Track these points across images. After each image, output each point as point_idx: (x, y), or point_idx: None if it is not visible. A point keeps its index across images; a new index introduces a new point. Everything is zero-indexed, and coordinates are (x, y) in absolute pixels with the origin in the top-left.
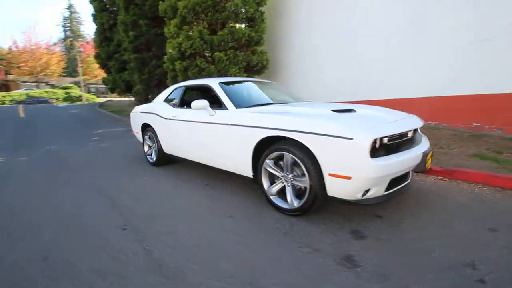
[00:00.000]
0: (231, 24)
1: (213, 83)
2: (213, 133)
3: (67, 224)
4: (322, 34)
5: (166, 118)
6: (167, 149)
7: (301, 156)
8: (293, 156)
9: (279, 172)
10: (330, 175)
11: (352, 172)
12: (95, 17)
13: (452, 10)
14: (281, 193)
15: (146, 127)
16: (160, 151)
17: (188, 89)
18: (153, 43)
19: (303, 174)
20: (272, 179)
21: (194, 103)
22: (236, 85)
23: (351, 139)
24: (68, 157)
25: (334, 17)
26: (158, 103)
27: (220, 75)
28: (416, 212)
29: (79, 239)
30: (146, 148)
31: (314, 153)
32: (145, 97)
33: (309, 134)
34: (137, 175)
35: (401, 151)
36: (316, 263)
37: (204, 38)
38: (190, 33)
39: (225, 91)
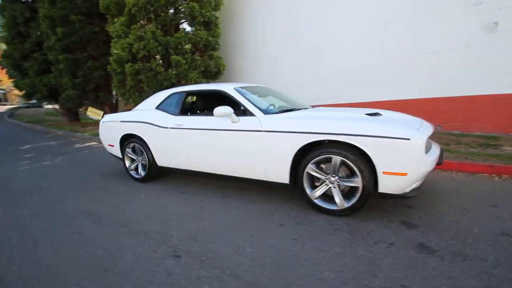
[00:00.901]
0: (187, 27)
1: (229, 88)
2: (237, 140)
3: (109, 274)
4: (279, 43)
5: (166, 127)
6: (163, 161)
7: (354, 157)
8: (344, 159)
9: (323, 175)
10: (385, 173)
11: (408, 169)
12: (3, 9)
13: (405, 26)
14: (323, 195)
15: (128, 139)
16: (151, 164)
17: (189, 95)
18: (88, 42)
19: (353, 175)
20: (312, 182)
21: (218, 110)
22: (249, 90)
23: (408, 139)
24: (10, 180)
25: (292, 26)
26: (149, 110)
27: (179, 80)
28: (431, 198)
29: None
30: (127, 163)
31: (369, 154)
32: (79, 104)
33: (366, 137)
34: (129, 194)
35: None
36: (403, 255)
37: (158, 39)
38: (142, 33)
39: (246, 97)
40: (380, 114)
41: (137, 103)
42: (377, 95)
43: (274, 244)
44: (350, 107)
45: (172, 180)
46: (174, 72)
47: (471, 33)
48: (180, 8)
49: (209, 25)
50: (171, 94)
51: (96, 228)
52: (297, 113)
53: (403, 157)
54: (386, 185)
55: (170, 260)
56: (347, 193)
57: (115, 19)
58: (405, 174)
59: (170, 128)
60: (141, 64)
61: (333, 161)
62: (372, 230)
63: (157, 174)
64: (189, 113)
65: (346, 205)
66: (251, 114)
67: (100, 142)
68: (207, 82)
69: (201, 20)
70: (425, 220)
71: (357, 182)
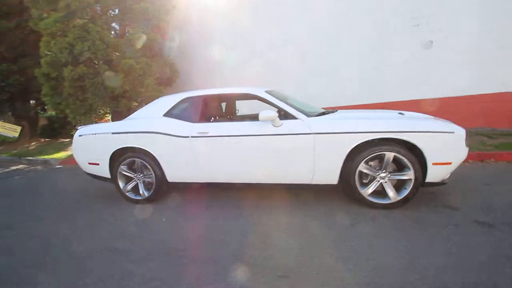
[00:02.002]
0: (140, 30)
1: (260, 92)
2: (281, 145)
3: None
4: (235, 50)
5: (185, 137)
6: (177, 176)
7: (406, 152)
8: (397, 154)
9: (375, 172)
10: (434, 164)
11: (453, 158)
12: None
13: (357, 41)
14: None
15: (122, 154)
16: (160, 181)
17: (208, 100)
18: (1, 40)
19: (404, 169)
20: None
21: (264, 114)
22: (273, 94)
23: (453, 132)
24: None
25: (247, 33)
26: (154, 118)
27: (133, 86)
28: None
29: None
30: (121, 183)
31: (421, 148)
32: None
33: (418, 133)
34: (140, 220)
35: None
36: (473, 233)
37: (104, 40)
38: (85, 32)
39: (282, 100)
40: (403, 114)
41: (76, 114)
42: (345, 100)
43: (366, 246)
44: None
45: (178, 197)
46: (126, 78)
47: (412, 50)
48: (133, 7)
49: (162, 29)
50: (183, 100)
51: (165, 268)
52: (338, 114)
53: (449, 148)
54: (433, 174)
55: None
56: (394, 187)
57: (45, 14)
58: (450, 163)
59: (192, 137)
60: (84, 68)
61: (386, 158)
62: (429, 217)
63: (164, 192)
64: (211, 119)
65: (399, 197)
66: (293, 117)
67: (30, 164)
68: (162, 90)
69: (155, 23)
70: (461, 201)
71: (410, 174)
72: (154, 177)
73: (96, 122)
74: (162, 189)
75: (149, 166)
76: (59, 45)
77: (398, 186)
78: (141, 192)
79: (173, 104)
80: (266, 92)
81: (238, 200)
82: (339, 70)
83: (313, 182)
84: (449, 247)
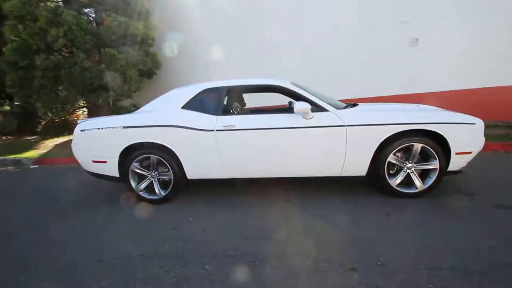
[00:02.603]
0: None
1: (285, 83)
2: (314, 137)
3: None
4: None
5: (209, 130)
6: (198, 172)
7: (433, 143)
8: (425, 145)
9: (402, 163)
10: (457, 153)
11: (473, 147)
12: None
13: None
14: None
15: (135, 150)
16: (179, 179)
17: (230, 91)
18: None
19: (429, 159)
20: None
21: (299, 106)
22: (300, 85)
23: (474, 123)
24: None
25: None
26: (172, 111)
27: (115, 78)
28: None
29: None
30: (133, 183)
31: (447, 138)
32: None
33: (444, 124)
34: (165, 222)
35: None
36: (496, 215)
37: (82, 26)
38: (59, 17)
39: (309, 92)
40: (419, 106)
41: (48, 108)
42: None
43: (421, 232)
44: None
45: (198, 194)
46: (107, 68)
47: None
48: None
49: (143, 15)
50: (203, 91)
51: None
52: (364, 107)
53: (470, 138)
54: (455, 163)
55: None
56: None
57: None
58: (470, 153)
59: (217, 130)
60: (60, 57)
61: (414, 148)
62: (452, 203)
63: (182, 191)
64: (235, 112)
65: (425, 186)
66: (323, 110)
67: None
68: (145, 83)
69: (135, 9)
70: (473, 187)
71: (435, 164)
72: (172, 174)
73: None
74: (180, 187)
75: (166, 163)
76: (30, 30)
77: (421, 175)
78: (156, 191)
79: (192, 96)
80: (292, 84)
81: (252, 196)
82: (335, 66)
83: (343, 174)
84: (483, 230)
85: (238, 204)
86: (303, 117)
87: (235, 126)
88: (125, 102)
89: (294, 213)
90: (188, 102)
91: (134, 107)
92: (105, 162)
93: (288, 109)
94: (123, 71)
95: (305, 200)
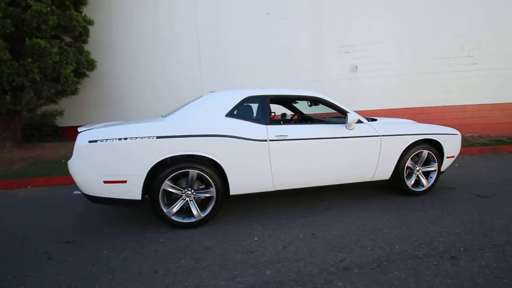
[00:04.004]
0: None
1: (325, 96)
2: (356, 147)
3: None
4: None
5: (262, 140)
6: (244, 186)
7: (434, 150)
8: (430, 152)
9: (415, 167)
10: (447, 157)
11: (455, 152)
12: None
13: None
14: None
15: (169, 165)
16: (222, 196)
17: (273, 100)
18: None
19: (431, 162)
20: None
21: (352, 117)
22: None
23: (457, 134)
24: None
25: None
26: (215, 120)
27: (44, 76)
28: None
29: None
30: (163, 205)
31: (443, 145)
32: None
33: (442, 135)
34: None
35: None
36: (476, 202)
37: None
38: None
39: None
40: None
41: None
42: None
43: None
44: None
45: (234, 214)
46: (35, 64)
47: (343, 71)
48: None
49: (78, 5)
50: (246, 98)
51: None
52: (384, 120)
53: (455, 145)
54: (445, 165)
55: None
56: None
57: None
58: (453, 156)
59: (270, 140)
60: None
61: (422, 155)
62: (445, 195)
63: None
64: (281, 122)
65: (429, 184)
66: (359, 121)
67: None
68: (77, 81)
69: None
70: (453, 183)
71: (435, 166)
72: (214, 191)
73: None
74: (220, 204)
75: (208, 178)
76: None
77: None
78: (194, 212)
79: (236, 103)
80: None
81: (288, 207)
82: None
83: (373, 179)
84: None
85: (290, 217)
86: (346, 128)
87: (287, 136)
88: (46, 109)
89: (354, 216)
90: (231, 110)
91: (61, 115)
92: (124, 182)
93: (302, 120)
94: (56, 69)
95: (343, 203)
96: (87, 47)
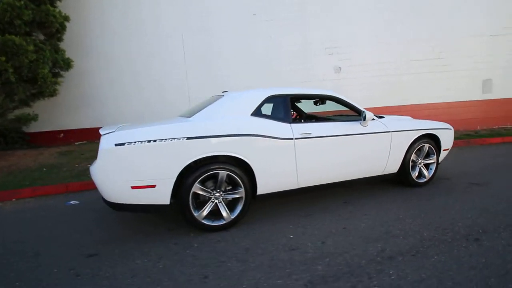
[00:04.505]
0: None
1: (341, 95)
2: (371, 142)
3: None
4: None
5: (289, 139)
6: (270, 186)
7: (433, 144)
8: (430, 145)
9: (418, 159)
10: (443, 150)
11: (449, 145)
12: None
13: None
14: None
15: (200, 166)
16: (250, 196)
17: (293, 98)
18: None
19: (430, 155)
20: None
21: (369, 115)
22: None
23: (451, 128)
24: None
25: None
26: (242, 119)
27: (20, 76)
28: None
29: None
30: (193, 209)
31: (440, 139)
32: None
33: (439, 129)
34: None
35: None
36: (471, 190)
37: None
38: None
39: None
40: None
41: None
42: None
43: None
44: None
45: (262, 214)
46: (9, 63)
47: (327, 72)
48: None
49: (53, 0)
50: (269, 97)
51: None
52: (390, 117)
53: (449, 139)
54: (441, 158)
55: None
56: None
57: None
58: (448, 149)
59: (296, 139)
60: None
61: (424, 148)
62: (444, 184)
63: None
64: (302, 120)
65: (429, 176)
66: (365, 119)
67: None
68: (56, 82)
69: None
70: (447, 174)
71: (434, 159)
72: (243, 191)
73: None
74: (249, 205)
75: (238, 178)
76: None
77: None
78: (224, 214)
79: (259, 102)
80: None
81: (308, 204)
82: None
83: (384, 173)
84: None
85: (314, 213)
86: (361, 125)
87: (311, 133)
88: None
89: (374, 209)
90: (256, 109)
91: (35, 119)
92: (153, 186)
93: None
94: (32, 69)
95: (359, 197)
96: (61, 45)
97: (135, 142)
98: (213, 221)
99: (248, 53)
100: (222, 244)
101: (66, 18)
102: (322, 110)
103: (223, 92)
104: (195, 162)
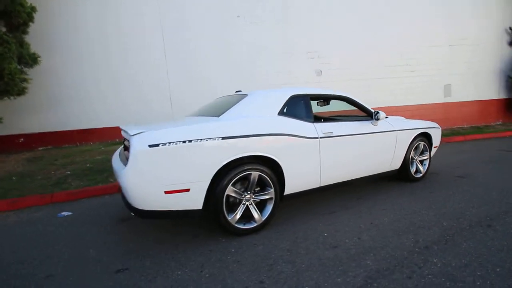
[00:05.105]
0: None
1: (352, 96)
2: (380, 141)
3: None
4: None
5: (315, 138)
6: (296, 186)
7: (426, 141)
8: (424, 143)
9: (415, 156)
10: (434, 147)
11: (438, 143)
12: None
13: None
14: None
15: (232, 168)
16: (278, 197)
17: (313, 98)
18: None
19: (424, 151)
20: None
21: (382, 115)
22: None
23: (439, 127)
24: None
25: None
26: (269, 118)
27: None
28: None
29: None
30: (227, 213)
31: (432, 137)
32: None
33: (431, 128)
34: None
35: None
36: (457, 183)
37: None
38: None
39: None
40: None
41: None
42: None
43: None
44: None
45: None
46: None
47: (309, 75)
48: None
49: None
50: (292, 97)
51: None
52: (391, 117)
53: (438, 137)
54: (432, 153)
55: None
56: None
57: None
58: (437, 146)
59: (320, 138)
60: None
61: (420, 146)
62: (434, 178)
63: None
64: (321, 120)
65: (424, 171)
66: (377, 118)
67: None
68: (24, 79)
69: None
70: (432, 168)
71: (427, 155)
72: (273, 192)
73: None
74: (277, 206)
75: (268, 179)
76: None
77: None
78: (256, 216)
79: (284, 102)
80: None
81: (320, 203)
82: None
83: (390, 169)
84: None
85: (336, 211)
86: (372, 124)
87: (332, 132)
88: None
89: (388, 203)
90: (281, 108)
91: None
92: (187, 190)
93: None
94: None
95: (369, 194)
96: (26, 39)
97: (169, 143)
98: (244, 224)
99: (230, 54)
100: (260, 247)
101: (33, 9)
102: (321, 111)
103: (236, 91)
104: (230, 163)
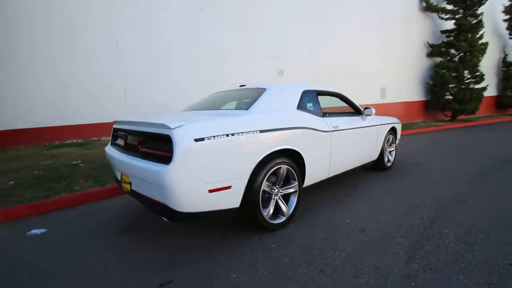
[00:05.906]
0: None
1: (345, 94)
2: (370, 134)
3: None
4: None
5: (328, 131)
6: (313, 177)
7: (393, 134)
8: (392, 136)
9: (386, 148)
10: (397, 140)
11: (399, 136)
12: None
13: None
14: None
15: (268, 160)
16: (301, 190)
17: (319, 94)
18: None
19: (392, 144)
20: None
21: (372, 111)
22: None
23: (400, 122)
24: None
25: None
26: (289, 112)
27: None
28: None
29: None
30: (262, 209)
31: (397, 131)
32: None
33: (396, 123)
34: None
35: None
36: (413, 168)
37: None
38: None
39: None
40: None
41: None
42: None
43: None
44: None
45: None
46: None
47: (270, 75)
48: None
49: None
50: (304, 92)
51: None
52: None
53: (400, 131)
54: (396, 145)
55: None
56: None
57: None
58: (399, 139)
59: (332, 131)
60: None
61: (389, 138)
62: (395, 166)
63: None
64: (327, 114)
65: (392, 160)
66: (362, 114)
67: None
68: None
69: None
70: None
71: (394, 147)
72: (297, 185)
73: None
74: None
75: (294, 172)
76: None
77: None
78: (284, 209)
79: (299, 97)
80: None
81: (323, 193)
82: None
83: (372, 159)
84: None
85: (343, 199)
86: (362, 119)
87: (338, 126)
88: None
89: (381, 189)
90: (299, 103)
91: None
92: (229, 187)
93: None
94: None
95: (360, 182)
96: None
97: (214, 136)
98: (274, 219)
99: (193, 51)
100: (298, 239)
101: None
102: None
103: (240, 86)
104: (267, 157)
